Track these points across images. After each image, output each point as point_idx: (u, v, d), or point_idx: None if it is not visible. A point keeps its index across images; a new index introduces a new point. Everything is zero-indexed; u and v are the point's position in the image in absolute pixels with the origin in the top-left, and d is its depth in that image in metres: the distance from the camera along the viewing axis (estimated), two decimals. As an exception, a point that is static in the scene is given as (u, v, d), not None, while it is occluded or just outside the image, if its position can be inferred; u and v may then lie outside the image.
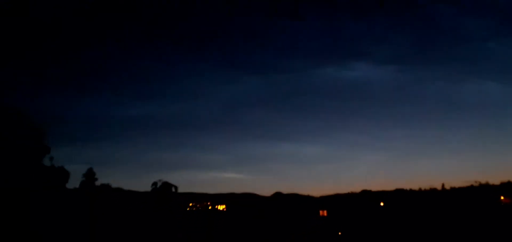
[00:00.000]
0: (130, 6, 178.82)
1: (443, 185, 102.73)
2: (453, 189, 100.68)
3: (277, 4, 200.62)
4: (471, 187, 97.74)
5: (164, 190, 58.30)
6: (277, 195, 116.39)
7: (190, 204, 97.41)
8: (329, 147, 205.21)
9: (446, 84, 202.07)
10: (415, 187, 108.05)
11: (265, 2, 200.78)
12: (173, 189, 58.93)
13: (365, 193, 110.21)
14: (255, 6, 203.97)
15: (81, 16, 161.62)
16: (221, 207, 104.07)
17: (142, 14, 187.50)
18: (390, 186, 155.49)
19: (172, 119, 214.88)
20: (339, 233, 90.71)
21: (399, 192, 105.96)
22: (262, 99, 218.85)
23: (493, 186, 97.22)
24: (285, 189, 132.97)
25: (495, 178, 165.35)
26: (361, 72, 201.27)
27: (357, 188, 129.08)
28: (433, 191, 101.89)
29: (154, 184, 58.92)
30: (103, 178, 62.09)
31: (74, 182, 56.34)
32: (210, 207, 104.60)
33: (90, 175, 57.87)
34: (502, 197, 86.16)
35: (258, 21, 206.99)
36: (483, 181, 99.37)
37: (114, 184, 64.81)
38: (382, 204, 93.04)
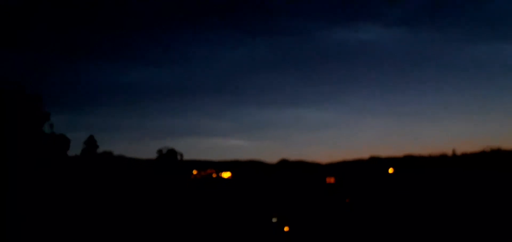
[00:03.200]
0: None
1: (454, 150, 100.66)
2: (464, 155, 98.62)
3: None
4: (483, 152, 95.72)
5: (170, 157, 56.63)
6: (283, 162, 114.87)
7: (195, 172, 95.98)
8: (336, 112, 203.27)
9: (460, 46, 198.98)
10: (425, 153, 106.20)
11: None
12: (179, 157, 57.27)
13: (374, 159, 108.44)
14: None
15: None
16: (226, 175, 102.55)
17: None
18: (399, 152, 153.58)
19: (174, 85, 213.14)
20: (347, 201, 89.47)
21: (409, 158, 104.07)
22: (267, 63, 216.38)
23: (506, 151, 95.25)
24: (291, 156, 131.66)
25: (508, 143, 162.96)
26: (370, 34, 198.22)
27: (365, 154, 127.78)
28: (443, 157, 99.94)
29: (160, 151, 57.22)
30: (104, 145, 60.49)
31: (75, 150, 54.76)
32: (214, 175, 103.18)
33: (91, 143, 56.19)
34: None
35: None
36: (495, 146, 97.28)
37: (116, 152, 63.27)
38: (391, 170, 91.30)
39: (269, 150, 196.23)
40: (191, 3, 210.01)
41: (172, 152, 56.97)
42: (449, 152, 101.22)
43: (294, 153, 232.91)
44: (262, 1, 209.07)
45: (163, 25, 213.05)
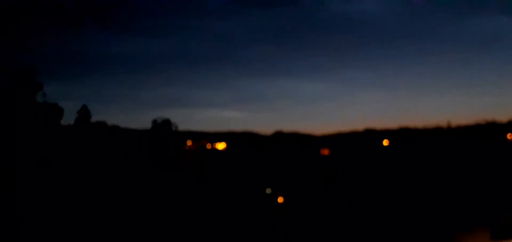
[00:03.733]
0: None
1: (449, 122, 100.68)
2: (459, 127, 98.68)
3: None
4: (478, 125, 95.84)
5: (165, 128, 56.18)
6: (278, 134, 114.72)
7: (189, 143, 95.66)
8: (331, 84, 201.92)
9: (455, 18, 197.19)
10: (420, 125, 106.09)
11: None
12: (174, 127, 56.83)
13: (369, 131, 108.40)
14: None
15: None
16: (220, 146, 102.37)
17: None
18: (394, 124, 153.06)
19: (169, 55, 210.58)
20: (341, 172, 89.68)
21: (404, 131, 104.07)
22: (262, 33, 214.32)
23: (501, 124, 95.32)
24: (286, 128, 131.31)
25: (503, 115, 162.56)
26: (365, 6, 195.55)
27: (360, 126, 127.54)
28: (438, 129, 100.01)
29: (154, 121, 56.70)
30: (98, 115, 59.86)
31: (68, 119, 54.17)
32: (208, 146, 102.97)
33: (84, 112, 55.65)
34: (509, 135, 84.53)
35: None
36: (490, 119, 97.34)
37: (110, 122, 62.71)
38: (386, 142, 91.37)
39: (264, 121, 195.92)
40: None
41: (167, 123, 56.52)
42: (444, 124, 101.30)
43: (289, 125, 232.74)
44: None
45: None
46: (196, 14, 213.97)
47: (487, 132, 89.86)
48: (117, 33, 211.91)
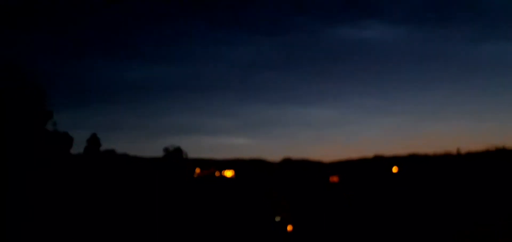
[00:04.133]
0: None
1: (458, 149, 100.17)
2: (469, 154, 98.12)
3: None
4: (488, 151, 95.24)
5: (176, 156, 56.46)
6: (286, 160, 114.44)
7: (198, 170, 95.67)
8: (340, 110, 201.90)
9: (463, 44, 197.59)
10: (429, 151, 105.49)
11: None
12: (185, 155, 57.14)
13: (378, 158, 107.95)
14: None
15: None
16: (229, 173, 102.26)
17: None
18: (403, 150, 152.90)
19: (178, 83, 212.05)
20: (351, 200, 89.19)
21: (413, 157, 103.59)
22: (270, 60, 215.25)
23: (510, 150, 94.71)
24: (295, 155, 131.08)
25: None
26: (374, 32, 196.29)
27: (369, 153, 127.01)
28: (448, 155, 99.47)
29: (166, 149, 57.08)
30: (107, 143, 60.31)
31: (78, 148, 54.51)
32: (217, 174, 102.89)
33: (94, 141, 56.02)
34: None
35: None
36: (500, 145, 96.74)
37: (119, 150, 63.07)
38: (395, 169, 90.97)
39: (272, 148, 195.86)
40: (196, 1, 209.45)
41: (178, 151, 56.89)
42: (453, 150, 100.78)
43: (297, 152, 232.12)
44: (266, 0, 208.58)
45: (168, 22, 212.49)
46: (205, 42, 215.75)
47: (497, 158, 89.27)
48: (126, 61, 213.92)
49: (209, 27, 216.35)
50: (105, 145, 58.50)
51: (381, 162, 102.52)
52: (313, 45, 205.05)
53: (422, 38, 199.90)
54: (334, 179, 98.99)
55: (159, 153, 58.51)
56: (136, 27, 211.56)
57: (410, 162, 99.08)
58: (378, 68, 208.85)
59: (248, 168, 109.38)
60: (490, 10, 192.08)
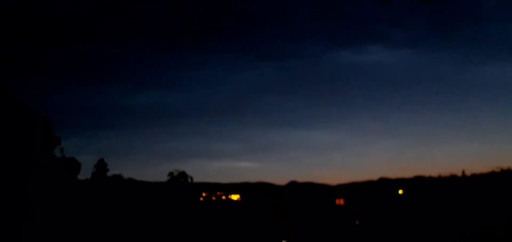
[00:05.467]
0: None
1: (463, 171, 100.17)
2: (474, 176, 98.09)
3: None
4: (493, 172, 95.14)
5: (181, 180, 56.79)
6: (292, 184, 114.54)
7: (204, 195, 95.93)
8: (345, 133, 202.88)
9: (465, 67, 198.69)
10: (434, 173, 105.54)
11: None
12: (189, 180, 57.44)
13: (383, 180, 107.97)
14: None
15: (90, 2, 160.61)
16: (235, 197, 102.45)
17: (154, 2, 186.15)
18: (408, 173, 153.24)
19: (183, 108, 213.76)
20: (357, 223, 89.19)
21: (418, 179, 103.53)
22: (275, 85, 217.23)
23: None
24: (300, 178, 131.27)
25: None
26: (376, 56, 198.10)
27: (374, 175, 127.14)
28: (453, 177, 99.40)
29: (171, 174, 57.43)
30: (114, 168, 60.95)
31: (85, 173, 55.12)
32: (223, 198, 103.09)
33: (101, 166, 56.57)
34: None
35: (271, 5, 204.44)
36: (505, 167, 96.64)
37: (126, 175, 63.62)
38: (401, 192, 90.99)
39: (278, 172, 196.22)
40: (201, 27, 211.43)
41: (183, 175, 57.20)
42: (458, 172, 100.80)
43: (303, 175, 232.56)
44: (270, 25, 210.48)
45: (172, 48, 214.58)
46: (211, 67, 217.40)
47: (502, 179, 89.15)
48: (133, 88, 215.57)
49: (213, 53, 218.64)
50: (112, 170, 59.12)
51: (386, 185, 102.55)
52: (316, 70, 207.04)
53: (425, 62, 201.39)
54: (340, 201, 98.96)
55: (165, 177, 59.03)
56: (142, 54, 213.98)
57: (415, 184, 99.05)
58: (381, 92, 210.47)
59: (254, 191, 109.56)
60: (494, 34, 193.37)
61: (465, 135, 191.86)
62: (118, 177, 59.78)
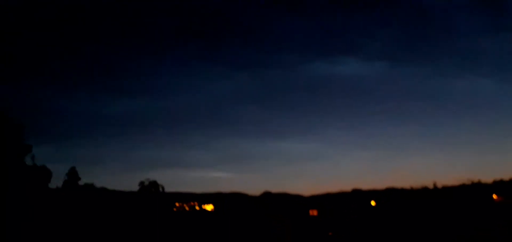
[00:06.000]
0: (114, 1, 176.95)
1: (435, 183, 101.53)
2: (445, 188, 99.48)
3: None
4: (463, 185, 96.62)
5: (151, 189, 56.40)
6: (266, 194, 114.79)
7: (177, 204, 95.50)
8: (319, 144, 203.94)
9: (438, 80, 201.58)
10: (406, 185, 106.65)
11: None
12: (161, 189, 57.03)
13: (356, 192, 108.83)
14: (244, 1, 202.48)
15: (63, 10, 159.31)
16: (208, 207, 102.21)
17: (127, 8, 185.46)
18: (381, 184, 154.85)
19: (157, 116, 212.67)
20: (330, 234, 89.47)
21: (391, 191, 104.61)
22: (250, 95, 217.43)
23: (486, 184, 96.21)
24: (274, 188, 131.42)
25: (487, 176, 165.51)
26: (351, 68, 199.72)
27: (348, 186, 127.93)
28: (425, 189, 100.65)
29: (141, 183, 56.97)
30: (86, 177, 60.30)
31: (56, 182, 54.50)
32: (197, 208, 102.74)
33: (73, 175, 56.01)
34: (494, 196, 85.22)
35: (246, 16, 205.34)
36: (475, 180, 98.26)
37: (98, 184, 63.02)
38: (373, 203, 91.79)
39: (252, 182, 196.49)
40: (176, 36, 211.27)
41: (154, 184, 56.77)
42: (430, 185, 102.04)
43: (277, 186, 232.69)
44: (246, 35, 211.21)
45: (147, 56, 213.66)
46: (186, 76, 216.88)
47: (473, 192, 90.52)
48: (105, 96, 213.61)
49: (188, 61, 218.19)
50: (84, 179, 58.55)
51: (359, 196, 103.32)
52: (290, 80, 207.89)
53: (398, 74, 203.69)
54: (314, 212, 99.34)
55: (137, 187, 58.49)
56: (115, 62, 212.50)
57: (387, 195, 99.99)
58: (355, 103, 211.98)
59: (228, 202, 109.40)
60: (466, 48, 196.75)
61: (437, 147, 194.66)
62: (90, 186, 59.20)
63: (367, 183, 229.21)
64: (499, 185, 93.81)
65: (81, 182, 57.40)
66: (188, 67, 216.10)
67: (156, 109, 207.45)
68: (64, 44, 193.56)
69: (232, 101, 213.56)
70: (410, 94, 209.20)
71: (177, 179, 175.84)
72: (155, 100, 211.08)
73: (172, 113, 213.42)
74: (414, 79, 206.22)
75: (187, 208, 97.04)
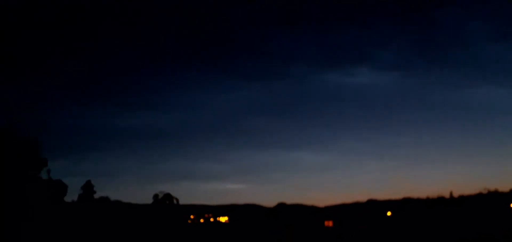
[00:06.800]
0: (127, 14, 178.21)
1: (451, 193, 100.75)
2: (461, 197, 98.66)
3: (277, 10, 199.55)
4: (480, 194, 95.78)
5: (166, 202, 56.32)
6: (281, 205, 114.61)
7: (192, 216, 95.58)
8: (333, 155, 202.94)
9: (453, 89, 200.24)
10: (422, 195, 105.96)
11: (265, 8, 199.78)
12: (175, 201, 56.94)
13: (372, 202, 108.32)
14: (255, 13, 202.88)
15: (76, 24, 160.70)
16: (223, 219, 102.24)
17: (140, 24, 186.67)
18: (397, 194, 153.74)
19: (171, 129, 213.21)
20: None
21: (406, 201, 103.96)
22: (263, 106, 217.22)
23: (503, 193, 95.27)
24: (289, 199, 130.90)
25: (504, 185, 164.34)
26: (364, 78, 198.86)
27: (363, 197, 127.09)
28: (441, 199, 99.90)
29: (156, 196, 56.86)
30: (101, 190, 60.40)
31: (72, 195, 54.67)
32: (212, 220, 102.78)
33: (88, 188, 56.11)
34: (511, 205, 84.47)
35: (258, 28, 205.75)
36: (492, 189, 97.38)
37: (113, 197, 63.12)
38: (389, 213, 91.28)
39: (266, 193, 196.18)
40: (188, 49, 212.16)
41: (168, 197, 56.68)
42: (446, 194, 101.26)
43: (291, 197, 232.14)
44: (258, 46, 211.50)
45: (160, 69, 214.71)
46: (199, 88, 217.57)
47: (490, 201, 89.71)
48: (119, 109, 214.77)
49: (201, 73, 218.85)
50: (99, 192, 58.66)
51: (375, 206, 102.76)
52: (304, 91, 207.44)
53: (412, 84, 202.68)
54: (329, 223, 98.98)
55: (151, 199, 58.51)
56: (128, 76, 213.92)
57: (403, 206, 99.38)
58: (369, 113, 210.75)
59: (243, 213, 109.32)
60: (480, 57, 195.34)
61: (453, 157, 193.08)
62: (105, 199, 59.28)
63: (382, 193, 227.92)
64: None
65: (96, 196, 57.49)
66: (200, 79, 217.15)
67: (170, 122, 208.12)
68: (78, 58, 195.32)
69: (244, 113, 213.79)
70: (424, 103, 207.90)
71: (192, 191, 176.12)
72: (168, 113, 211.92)
73: (186, 125, 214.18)
74: (428, 88, 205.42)
75: (201, 220, 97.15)
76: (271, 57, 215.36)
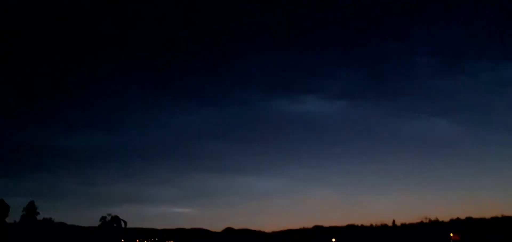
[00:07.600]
0: (81, 33, 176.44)
1: (394, 221, 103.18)
2: (403, 225, 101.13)
3: (229, 37, 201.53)
4: (421, 223, 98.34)
5: (113, 225, 55.63)
6: (228, 230, 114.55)
7: (137, 241, 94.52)
8: (281, 181, 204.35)
9: (396, 120, 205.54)
10: (366, 223, 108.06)
11: (219, 36, 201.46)
12: (123, 224, 56.26)
13: (317, 228, 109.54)
14: (208, 40, 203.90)
15: (20, 38, 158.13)
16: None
17: (89, 41, 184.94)
18: (342, 221, 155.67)
19: (120, 150, 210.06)
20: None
21: (351, 228, 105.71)
22: (213, 131, 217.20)
23: (443, 222, 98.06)
24: (236, 224, 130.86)
25: (444, 215, 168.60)
26: (312, 106, 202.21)
27: (309, 223, 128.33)
28: (384, 226, 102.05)
29: (103, 218, 56.13)
30: (45, 212, 59.49)
31: (14, 216, 53.73)
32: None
33: (31, 209, 55.18)
34: (451, 234, 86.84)
35: (211, 53, 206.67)
36: (433, 218, 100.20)
37: (57, 219, 62.19)
38: (334, 240, 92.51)
39: (214, 218, 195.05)
40: (140, 70, 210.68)
41: (116, 219, 56.00)
42: (389, 222, 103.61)
43: (239, 221, 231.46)
44: (210, 71, 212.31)
45: (109, 90, 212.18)
46: (150, 111, 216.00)
47: (431, 230, 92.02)
48: (66, 129, 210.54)
49: (151, 95, 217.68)
50: (42, 214, 57.76)
51: (320, 232, 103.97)
52: (253, 117, 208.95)
53: (357, 113, 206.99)
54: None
55: (97, 222, 57.65)
56: (74, 94, 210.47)
57: (348, 232, 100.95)
58: (316, 141, 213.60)
59: (190, 238, 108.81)
60: (423, 89, 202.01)
61: (396, 185, 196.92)
62: (49, 221, 58.39)
63: (328, 220, 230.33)
64: (456, 224, 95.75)
65: (39, 217, 56.57)
66: (150, 101, 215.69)
67: (118, 144, 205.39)
68: (25, 77, 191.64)
69: (194, 136, 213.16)
70: (369, 132, 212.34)
71: (139, 214, 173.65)
72: (117, 134, 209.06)
73: (134, 147, 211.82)
74: (373, 119, 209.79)
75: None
76: (222, 82, 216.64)
